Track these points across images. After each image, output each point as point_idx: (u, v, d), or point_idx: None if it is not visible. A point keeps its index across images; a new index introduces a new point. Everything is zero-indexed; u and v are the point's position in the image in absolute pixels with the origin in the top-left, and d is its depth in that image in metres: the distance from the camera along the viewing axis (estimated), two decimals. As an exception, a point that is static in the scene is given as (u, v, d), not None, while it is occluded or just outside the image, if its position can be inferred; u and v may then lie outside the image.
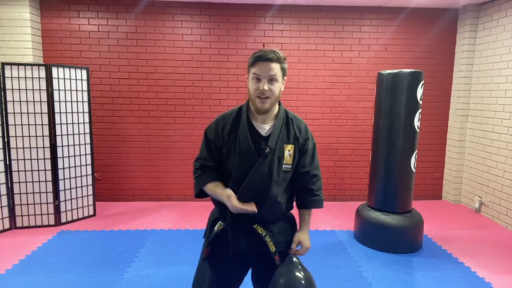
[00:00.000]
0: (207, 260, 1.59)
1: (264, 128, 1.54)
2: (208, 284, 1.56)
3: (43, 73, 3.57)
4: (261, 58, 1.44)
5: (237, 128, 1.53)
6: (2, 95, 3.48)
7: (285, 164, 1.54)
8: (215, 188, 1.53)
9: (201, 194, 1.61)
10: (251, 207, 1.45)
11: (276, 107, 1.57)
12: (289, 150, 1.54)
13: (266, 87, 1.44)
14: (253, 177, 1.48)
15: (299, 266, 1.51)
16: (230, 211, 1.49)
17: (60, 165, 3.72)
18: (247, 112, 1.55)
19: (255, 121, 1.54)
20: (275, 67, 1.45)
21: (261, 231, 1.53)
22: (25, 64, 3.53)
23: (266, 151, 1.48)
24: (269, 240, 1.53)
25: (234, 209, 1.45)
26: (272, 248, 1.53)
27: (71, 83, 3.76)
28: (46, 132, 3.63)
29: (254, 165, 1.48)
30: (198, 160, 1.61)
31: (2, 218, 3.56)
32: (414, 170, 3.27)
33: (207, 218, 1.69)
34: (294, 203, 1.73)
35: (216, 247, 1.57)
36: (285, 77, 1.53)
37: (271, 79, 1.45)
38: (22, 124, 3.57)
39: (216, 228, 1.56)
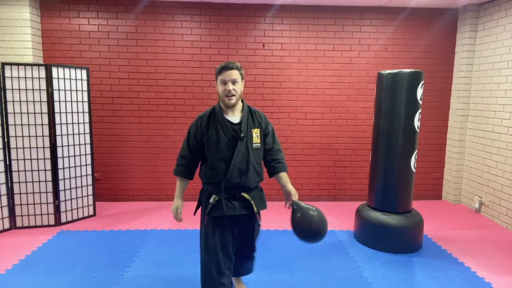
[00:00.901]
0: (209, 226, 2.09)
1: (235, 118, 2.08)
2: (220, 246, 2.08)
3: (43, 73, 3.57)
4: (225, 67, 2.01)
5: (211, 123, 2.07)
6: (2, 95, 3.48)
7: (255, 143, 2.10)
8: (179, 188, 2.16)
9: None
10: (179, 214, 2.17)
11: (240, 103, 2.12)
12: (256, 133, 2.10)
13: (231, 88, 2.00)
14: (237, 155, 2.02)
15: (303, 204, 2.05)
16: (225, 186, 2.03)
17: (60, 165, 3.73)
18: (220, 109, 2.08)
19: (226, 115, 2.08)
20: (235, 73, 2.02)
21: (247, 196, 2.10)
22: (25, 64, 3.53)
23: (242, 135, 2.02)
24: (253, 202, 2.10)
25: (174, 215, 2.16)
26: (255, 209, 2.11)
27: (71, 83, 3.76)
28: (46, 132, 3.63)
29: (235, 146, 2.02)
30: (180, 152, 2.16)
31: (2, 218, 3.57)
32: (414, 170, 3.27)
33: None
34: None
35: (213, 215, 2.06)
36: (243, 80, 2.10)
37: (234, 82, 2.02)
38: (22, 124, 3.57)
39: (212, 200, 2.06)
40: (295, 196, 2.12)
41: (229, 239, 2.11)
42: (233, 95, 2.01)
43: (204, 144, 2.08)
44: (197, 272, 2.82)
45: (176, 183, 2.21)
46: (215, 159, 2.04)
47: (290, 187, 2.16)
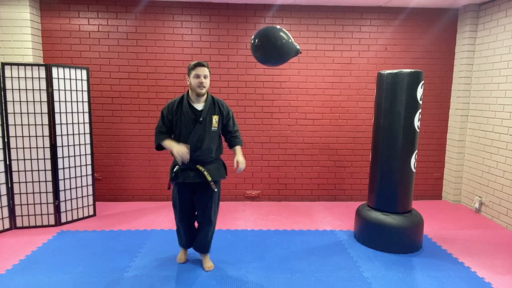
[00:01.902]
0: (174, 189, 2.75)
1: (199, 106, 2.64)
2: (179, 203, 2.75)
3: (43, 73, 3.57)
4: (199, 64, 2.56)
5: (180, 107, 2.63)
6: (2, 95, 3.48)
7: (213, 127, 2.65)
8: (171, 142, 2.61)
9: (159, 148, 2.71)
10: (187, 152, 2.54)
11: (205, 95, 2.66)
12: (215, 119, 2.66)
13: (203, 80, 2.55)
14: (195, 134, 2.58)
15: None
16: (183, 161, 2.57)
17: (60, 165, 3.73)
18: (187, 98, 2.64)
19: (192, 103, 2.64)
20: (206, 70, 2.58)
21: (200, 168, 2.63)
22: (25, 64, 3.53)
23: (200, 119, 2.59)
24: (206, 173, 2.62)
25: (178, 153, 2.52)
26: (208, 178, 2.62)
27: (71, 83, 3.76)
28: (46, 132, 3.63)
29: (194, 128, 2.58)
30: (157, 128, 2.69)
31: (2, 218, 3.57)
32: (414, 170, 3.27)
33: None
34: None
35: (176, 181, 2.69)
36: (210, 76, 2.63)
37: (205, 76, 2.57)
38: (22, 124, 3.57)
39: (175, 169, 2.66)
40: (242, 165, 2.65)
41: (186, 199, 2.73)
42: (204, 86, 2.56)
43: (173, 124, 2.66)
44: (197, 272, 2.82)
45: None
46: (178, 137, 2.63)
47: (240, 157, 2.68)
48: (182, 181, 2.64)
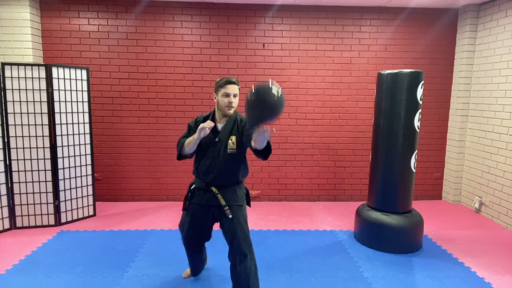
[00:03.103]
0: (186, 210, 2.44)
1: (219, 126, 2.35)
2: (187, 225, 2.43)
3: (43, 73, 3.57)
4: (230, 82, 2.24)
5: None
6: (2, 95, 3.48)
7: (230, 148, 2.29)
8: (190, 138, 2.28)
9: (181, 156, 2.39)
10: (209, 124, 2.19)
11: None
12: (231, 140, 2.30)
13: (232, 100, 2.26)
14: (209, 156, 2.31)
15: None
16: (200, 180, 2.35)
17: (60, 165, 3.72)
18: (213, 116, 2.39)
19: (217, 122, 2.36)
20: (237, 88, 2.27)
21: (215, 190, 2.31)
22: (25, 64, 3.53)
23: (216, 140, 2.30)
24: (220, 196, 2.30)
25: (202, 127, 2.16)
26: (222, 202, 2.29)
27: (71, 83, 3.76)
28: (46, 132, 3.63)
29: (209, 149, 2.31)
30: (180, 139, 2.39)
31: (2, 218, 3.57)
32: (414, 170, 3.27)
33: None
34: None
35: (190, 201, 2.40)
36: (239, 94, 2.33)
37: (235, 95, 2.27)
38: (22, 124, 3.57)
39: (191, 188, 2.40)
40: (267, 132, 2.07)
41: (196, 223, 2.41)
42: (233, 106, 2.29)
43: None
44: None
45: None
46: (197, 156, 2.39)
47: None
48: (195, 202, 2.37)
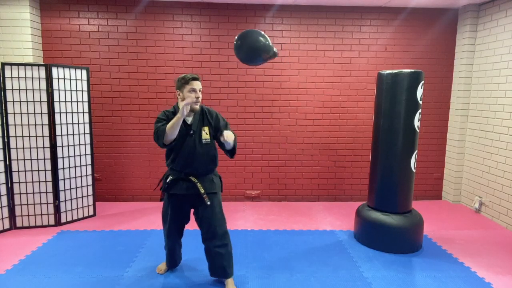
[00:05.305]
0: (165, 199, 2.59)
1: (188, 119, 2.50)
2: (170, 215, 2.57)
3: (43, 73, 3.57)
4: (195, 78, 2.42)
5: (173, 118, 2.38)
6: (2, 95, 3.48)
7: (204, 139, 2.50)
8: (172, 121, 2.31)
9: (164, 145, 2.40)
10: (192, 99, 2.38)
11: None
12: (205, 130, 2.51)
13: (199, 95, 2.42)
14: (186, 147, 2.46)
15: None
16: (176, 170, 2.49)
17: (60, 165, 3.72)
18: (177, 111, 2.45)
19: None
20: (200, 84, 2.45)
21: (193, 179, 2.47)
22: (25, 64, 3.53)
23: (191, 132, 2.47)
24: (199, 185, 2.46)
25: (187, 103, 2.31)
26: (202, 190, 2.45)
27: (71, 83, 3.76)
28: (46, 132, 3.63)
29: (185, 141, 2.45)
30: (156, 129, 2.41)
31: (2, 218, 3.57)
32: (414, 170, 3.27)
33: None
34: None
35: (170, 193, 2.53)
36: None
37: (200, 90, 2.44)
38: (22, 124, 3.57)
39: (168, 180, 2.51)
40: (228, 138, 2.39)
41: (178, 212, 2.57)
42: (199, 101, 2.45)
43: None
44: (197, 272, 2.82)
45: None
46: (171, 150, 2.51)
47: (228, 132, 2.46)
48: (175, 192, 2.49)
